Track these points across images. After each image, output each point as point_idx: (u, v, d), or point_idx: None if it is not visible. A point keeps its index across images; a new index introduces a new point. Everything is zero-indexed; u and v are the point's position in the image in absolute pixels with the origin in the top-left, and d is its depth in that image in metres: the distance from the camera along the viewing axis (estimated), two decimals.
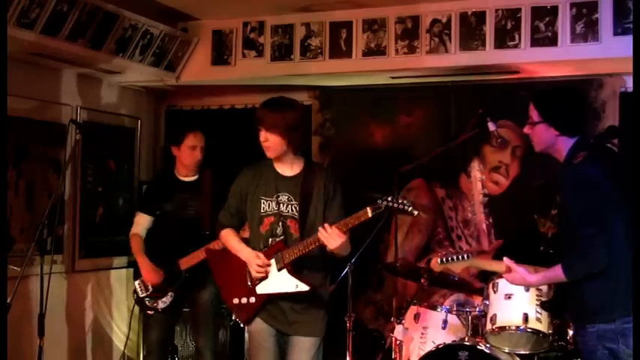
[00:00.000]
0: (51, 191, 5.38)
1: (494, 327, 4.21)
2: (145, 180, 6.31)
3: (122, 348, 5.94)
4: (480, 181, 5.75)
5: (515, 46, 5.12)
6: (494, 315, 4.23)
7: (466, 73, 5.57)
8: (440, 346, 4.50)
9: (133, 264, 5.31)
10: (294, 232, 4.04)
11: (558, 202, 3.73)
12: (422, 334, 4.83)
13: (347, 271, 4.66)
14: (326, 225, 3.83)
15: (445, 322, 4.70)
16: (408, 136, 5.93)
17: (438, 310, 4.81)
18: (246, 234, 4.26)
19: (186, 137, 5.11)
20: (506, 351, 4.33)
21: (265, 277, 4.03)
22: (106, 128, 6.05)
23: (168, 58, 5.79)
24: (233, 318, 5.41)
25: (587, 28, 4.96)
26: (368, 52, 5.48)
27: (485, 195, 5.73)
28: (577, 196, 3.39)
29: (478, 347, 4.35)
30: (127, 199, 6.21)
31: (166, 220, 5.17)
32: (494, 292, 4.29)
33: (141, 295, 5.15)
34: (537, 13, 5.08)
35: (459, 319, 4.73)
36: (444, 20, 5.29)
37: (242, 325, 4.27)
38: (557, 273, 3.42)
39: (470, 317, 4.56)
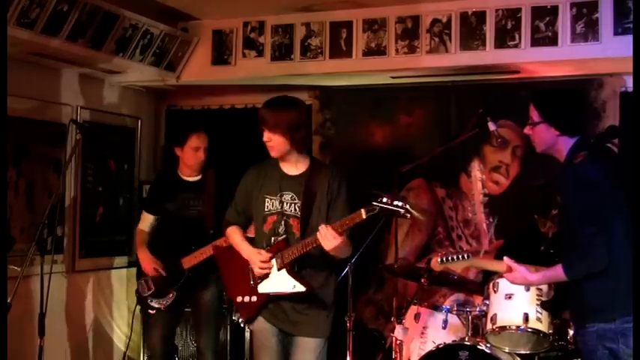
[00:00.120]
0: (51, 191, 5.38)
1: (494, 327, 4.21)
2: (145, 180, 6.30)
3: (123, 348, 5.94)
4: (480, 180, 5.75)
5: (516, 46, 5.12)
6: (495, 315, 4.23)
7: (466, 73, 5.57)
8: (440, 346, 4.50)
9: (134, 264, 5.30)
10: (296, 231, 4.01)
11: (559, 202, 3.74)
12: (422, 333, 4.83)
13: (347, 271, 4.65)
14: (322, 225, 3.79)
15: (445, 321, 4.70)
16: (408, 135, 5.93)
17: (439, 310, 4.81)
18: (251, 234, 4.25)
19: (189, 138, 5.08)
20: (507, 351, 4.33)
21: (267, 277, 4.02)
22: (106, 128, 6.05)
23: (168, 57, 5.79)
24: (233, 318, 5.43)
25: (587, 28, 4.96)
26: (368, 52, 5.48)
27: (485, 195, 5.73)
28: (577, 195, 3.39)
29: (478, 347, 4.34)
30: (127, 199, 6.22)
31: (169, 220, 5.15)
32: (495, 291, 4.29)
33: (143, 295, 5.14)
34: (537, 12, 5.07)
35: (460, 319, 4.72)
36: (445, 20, 5.29)
37: (242, 325, 4.26)
38: (557, 272, 3.42)
39: (470, 317, 4.56)
